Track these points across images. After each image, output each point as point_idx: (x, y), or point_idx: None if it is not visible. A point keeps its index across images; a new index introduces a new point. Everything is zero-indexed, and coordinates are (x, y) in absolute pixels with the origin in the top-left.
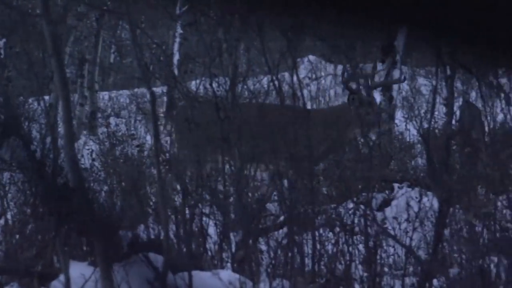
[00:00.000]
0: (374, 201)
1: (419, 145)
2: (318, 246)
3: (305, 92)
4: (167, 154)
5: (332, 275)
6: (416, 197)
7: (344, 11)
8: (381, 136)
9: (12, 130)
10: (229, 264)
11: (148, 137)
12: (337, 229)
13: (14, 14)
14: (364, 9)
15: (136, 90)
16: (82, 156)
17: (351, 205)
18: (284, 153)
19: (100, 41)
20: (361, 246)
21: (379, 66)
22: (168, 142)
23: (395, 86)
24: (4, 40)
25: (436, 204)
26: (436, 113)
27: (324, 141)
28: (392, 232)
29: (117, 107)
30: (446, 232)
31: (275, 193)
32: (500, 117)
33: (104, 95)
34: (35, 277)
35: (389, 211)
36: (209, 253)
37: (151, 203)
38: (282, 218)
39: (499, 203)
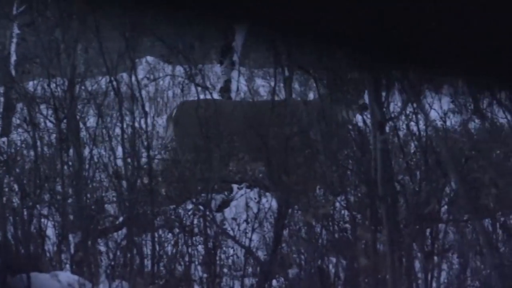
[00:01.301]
0: (213, 202)
1: None
2: (157, 247)
3: (144, 93)
4: (4, 155)
5: (171, 276)
6: (255, 198)
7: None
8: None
9: None
10: (68, 266)
11: None
12: (177, 230)
13: None
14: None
15: None
16: None
17: (190, 206)
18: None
19: None
20: (200, 247)
21: (217, 67)
22: None
23: (233, 87)
24: None
25: (275, 205)
26: None
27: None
28: (231, 233)
29: None
30: (285, 232)
31: (114, 193)
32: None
33: None
34: None
35: (228, 212)
36: (48, 254)
37: None
38: (121, 219)
39: (337, 204)
